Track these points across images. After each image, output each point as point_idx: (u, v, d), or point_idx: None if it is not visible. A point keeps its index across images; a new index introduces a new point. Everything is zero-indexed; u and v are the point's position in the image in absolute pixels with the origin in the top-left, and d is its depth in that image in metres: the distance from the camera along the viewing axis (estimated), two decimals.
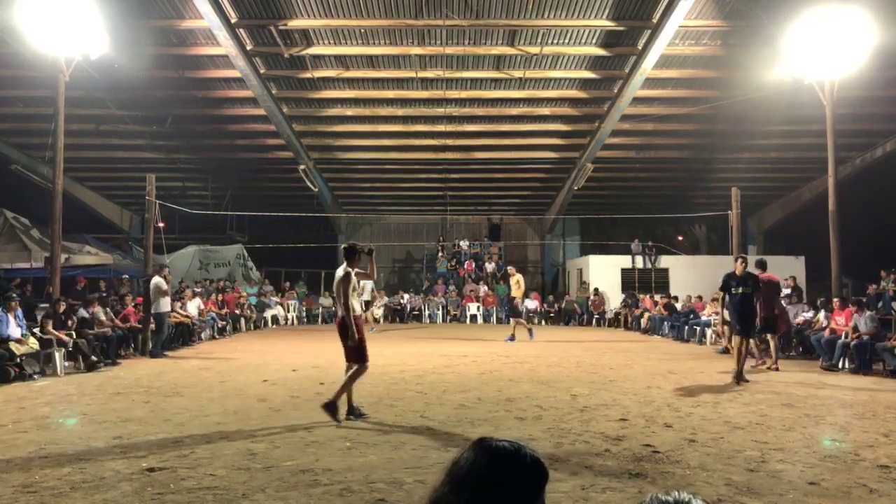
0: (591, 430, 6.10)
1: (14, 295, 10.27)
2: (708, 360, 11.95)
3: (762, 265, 11.13)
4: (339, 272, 6.58)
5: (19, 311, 10.05)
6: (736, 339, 9.36)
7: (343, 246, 6.86)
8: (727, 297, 9.58)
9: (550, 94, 18.23)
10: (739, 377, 8.98)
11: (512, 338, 14.93)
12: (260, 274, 24.76)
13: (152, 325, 12.52)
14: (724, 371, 9.92)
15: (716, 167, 23.34)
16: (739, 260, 9.46)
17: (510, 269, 16.36)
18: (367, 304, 18.44)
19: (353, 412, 6.55)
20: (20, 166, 20.28)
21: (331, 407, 6.31)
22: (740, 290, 9.18)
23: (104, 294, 15.32)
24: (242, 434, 5.89)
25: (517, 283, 15.33)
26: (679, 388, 8.55)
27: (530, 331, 15.29)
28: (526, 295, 23.52)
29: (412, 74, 16.97)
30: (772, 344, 11.03)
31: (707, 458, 5.11)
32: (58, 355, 9.95)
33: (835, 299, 12.32)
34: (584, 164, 20.87)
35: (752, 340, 11.31)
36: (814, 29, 12.83)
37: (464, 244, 26.65)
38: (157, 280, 12.60)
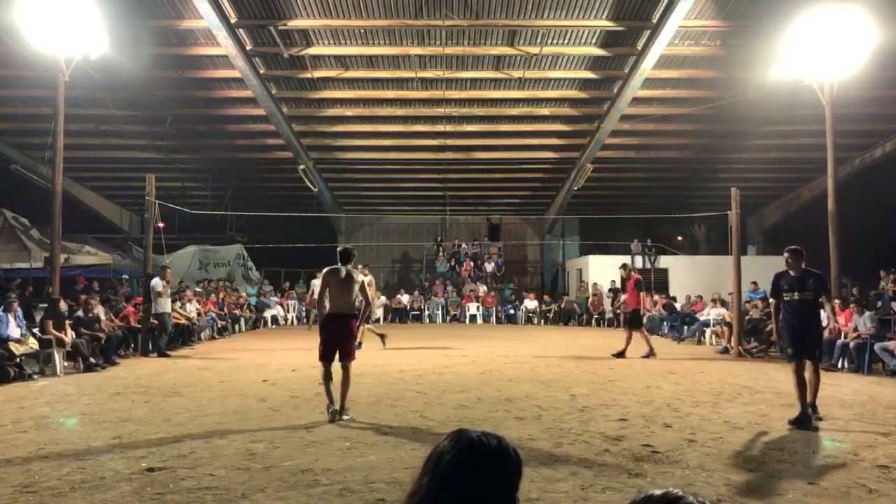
0: (590, 430, 6.10)
1: (12, 295, 10.26)
2: (707, 361, 11.96)
3: (626, 267, 12.82)
4: (360, 278, 6.78)
5: (19, 312, 10.05)
6: (791, 366, 6.74)
7: (347, 248, 7.01)
8: (780, 305, 7.01)
9: (550, 95, 18.23)
10: (805, 420, 6.32)
11: (359, 345, 13.75)
12: (259, 274, 24.77)
13: (154, 321, 12.58)
14: (729, 374, 9.90)
15: (715, 167, 23.37)
16: (790, 254, 6.88)
17: (361, 268, 14.39)
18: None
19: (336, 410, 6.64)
20: (20, 166, 20.26)
21: (344, 410, 6.56)
22: (796, 295, 6.70)
23: (103, 294, 15.32)
24: (242, 434, 5.89)
25: (369, 284, 13.99)
26: (678, 388, 8.55)
27: (382, 337, 13.53)
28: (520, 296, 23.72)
29: (412, 75, 16.97)
30: (635, 334, 12.22)
31: (706, 459, 5.11)
32: (57, 355, 9.95)
33: (834, 300, 12.32)
34: (584, 165, 20.88)
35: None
36: (813, 29, 12.82)
37: (465, 245, 26.63)
38: (154, 281, 12.66)
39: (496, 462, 1.43)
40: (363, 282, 6.81)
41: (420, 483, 1.45)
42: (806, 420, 6.30)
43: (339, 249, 6.99)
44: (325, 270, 6.86)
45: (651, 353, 11.99)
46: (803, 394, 6.48)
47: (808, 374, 6.57)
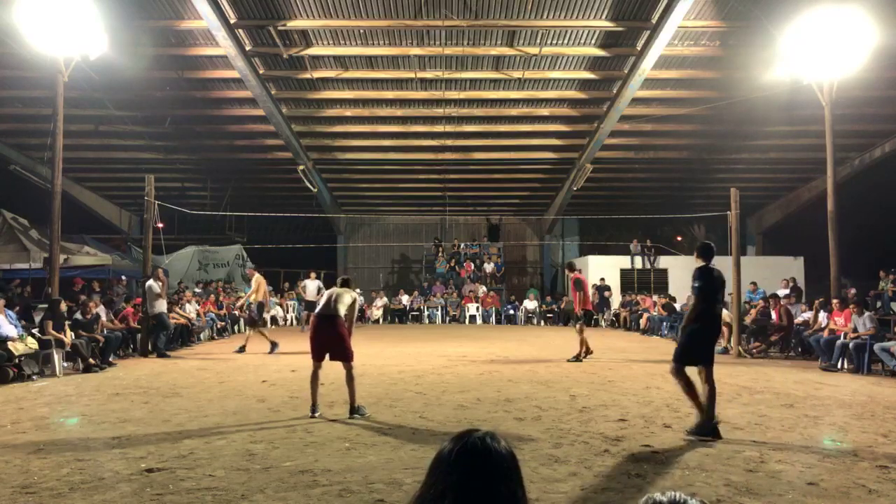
0: (590, 430, 6.10)
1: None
2: None
3: (571, 266, 12.38)
4: (354, 295, 7.20)
5: (10, 312, 10.02)
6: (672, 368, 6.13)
7: (345, 277, 7.54)
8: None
9: (549, 95, 18.23)
10: (705, 427, 5.77)
11: (241, 349, 13.01)
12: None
13: (153, 322, 12.58)
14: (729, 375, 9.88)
15: (715, 168, 23.38)
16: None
17: (249, 268, 14.05)
18: (311, 305, 18.22)
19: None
20: (19, 167, 20.27)
21: (357, 409, 6.72)
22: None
23: (105, 296, 15.31)
24: (241, 434, 5.89)
25: (257, 285, 13.50)
26: (678, 389, 8.52)
27: (273, 344, 12.86)
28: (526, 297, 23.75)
29: (411, 75, 16.97)
30: (580, 336, 11.61)
31: (706, 459, 5.11)
32: (56, 356, 9.94)
33: (833, 300, 12.32)
34: (584, 165, 20.88)
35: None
36: (813, 29, 12.83)
37: (464, 246, 26.63)
38: (149, 283, 12.64)
39: (500, 464, 1.44)
40: (354, 301, 7.12)
41: (425, 486, 1.46)
42: (706, 427, 5.72)
43: (338, 280, 7.47)
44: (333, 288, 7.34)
45: (580, 357, 11.55)
46: (693, 396, 5.89)
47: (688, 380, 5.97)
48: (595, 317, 12.35)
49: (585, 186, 22.13)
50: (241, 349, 13.03)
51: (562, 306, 22.63)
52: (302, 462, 4.97)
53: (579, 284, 11.97)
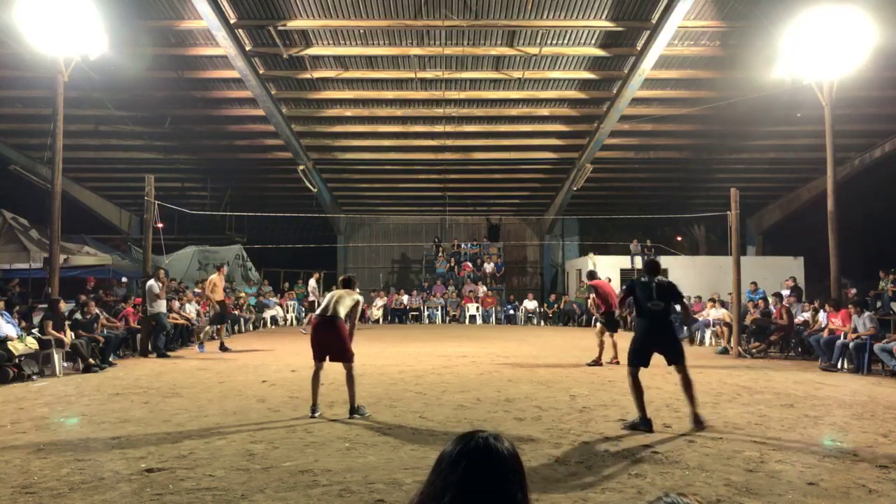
0: (590, 430, 6.10)
1: None
2: (707, 361, 11.95)
3: (591, 276, 12.03)
4: (356, 297, 7.14)
5: (6, 314, 10.02)
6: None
7: (348, 277, 7.51)
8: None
9: (549, 95, 18.23)
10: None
11: (202, 346, 13.57)
12: (259, 274, 24.77)
13: (152, 322, 12.58)
14: (726, 375, 9.89)
15: (715, 167, 23.38)
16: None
17: (214, 274, 14.19)
18: (312, 305, 18.27)
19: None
20: (19, 167, 20.26)
21: (357, 409, 6.75)
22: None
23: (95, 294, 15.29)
24: (241, 435, 5.89)
25: (212, 285, 13.67)
26: (678, 389, 8.52)
27: (201, 343, 13.62)
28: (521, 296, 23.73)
29: (411, 75, 16.97)
30: (607, 341, 11.08)
31: (706, 459, 5.11)
32: (56, 356, 9.94)
33: (828, 304, 12.31)
34: (584, 165, 20.89)
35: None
36: (813, 29, 12.83)
37: (464, 245, 26.62)
38: (150, 283, 12.63)
39: (501, 463, 1.44)
40: (358, 302, 7.13)
41: (427, 483, 1.47)
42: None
43: (340, 278, 7.51)
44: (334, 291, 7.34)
45: (599, 361, 11.15)
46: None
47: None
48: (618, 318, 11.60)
49: (585, 186, 22.14)
50: (202, 346, 13.51)
51: (561, 306, 22.62)
52: (302, 462, 4.97)
53: (591, 289, 11.97)
